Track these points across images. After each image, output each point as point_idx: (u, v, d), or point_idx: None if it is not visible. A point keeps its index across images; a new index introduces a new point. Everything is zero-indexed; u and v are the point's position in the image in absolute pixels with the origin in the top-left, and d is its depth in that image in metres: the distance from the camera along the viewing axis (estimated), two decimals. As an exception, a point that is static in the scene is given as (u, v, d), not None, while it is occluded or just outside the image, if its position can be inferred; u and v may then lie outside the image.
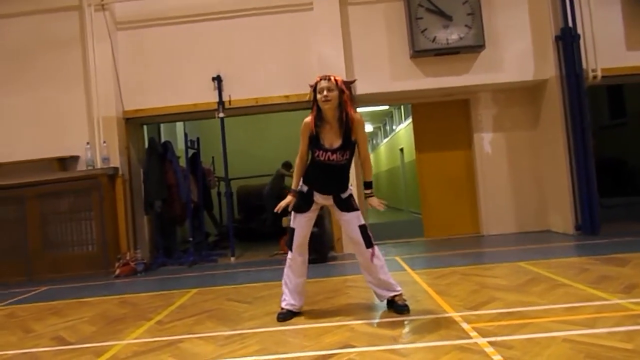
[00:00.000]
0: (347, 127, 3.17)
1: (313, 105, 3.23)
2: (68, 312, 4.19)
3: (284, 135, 9.68)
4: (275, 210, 3.35)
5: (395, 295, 3.32)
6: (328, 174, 3.27)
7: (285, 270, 3.42)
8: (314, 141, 3.22)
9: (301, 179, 3.37)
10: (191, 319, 3.59)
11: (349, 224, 3.33)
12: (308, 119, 3.24)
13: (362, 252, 3.31)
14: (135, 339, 3.20)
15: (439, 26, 6.49)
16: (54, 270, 6.28)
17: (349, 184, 3.40)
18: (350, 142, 3.21)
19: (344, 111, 3.17)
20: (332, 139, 3.20)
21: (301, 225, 3.34)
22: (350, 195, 3.36)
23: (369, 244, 3.29)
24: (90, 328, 3.59)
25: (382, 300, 3.41)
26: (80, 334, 3.46)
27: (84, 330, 3.55)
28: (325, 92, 3.13)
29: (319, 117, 3.21)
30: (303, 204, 3.33)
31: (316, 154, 3.24)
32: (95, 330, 3.53)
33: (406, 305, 3.27)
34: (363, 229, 3.30)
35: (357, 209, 3.35)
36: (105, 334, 3.38)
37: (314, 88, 3.21)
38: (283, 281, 3.43)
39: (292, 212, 3.37)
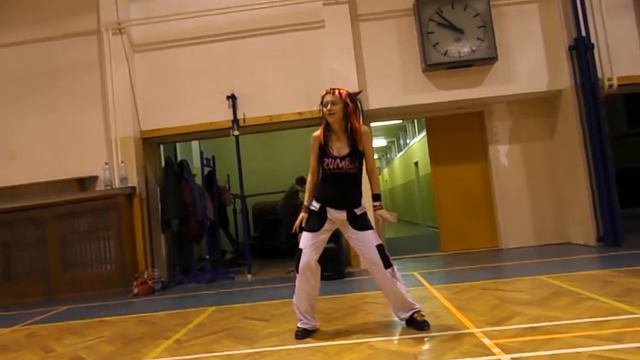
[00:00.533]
0: (354, 138, 3.22)
1: (322, 118, 3.30)
2: (87, 332, 4.22)
3: (298, 152, 9.71)
4: (293, 231, 3.35)
5: (414, 312, 3.26)
6: (339, 185, 3.25)
7: (295, 294, 3.34)
8: (323, 151, 3.26)
9: (312, 197, 3.35)
10: (209, 337, 3.58)
11: (365, 243, 3.24)
12: (316, 132, 3.32)
13: (381, 273, 3.22)
14: (154, 358, 3.20)
15: (451, 40, 6.51)
16: (74, 290, 6.34)
17: (362, 201, 3.33)
18: (358, 151, 3.23)
19: (349, 123, 3.22)
20: (340, 148, 3.24)
21: (309, 245, 3.25)
22: (365, 213, 3.30)
23: (387, 264, 3.21)
24: (109, 347, 3.60)
25: (402, 320, 3.35)
26: (99, 353, 3.47)
27: (103, 349, 3.56)
28: (329, 106, 3.22)
29: (328, 129, 3.29)
30: (314, 222, 3.28)
31: (325, 164, 3.25)
32: (114, 349, 3.54)
33: (425, 321, 3.21)
34: (380, 248, 3.22)
35: (372, 228, 3.29)
36: (124, 354, 3.38)
37: (321, 101, 3.28)
38: (293, 304, 3.37)
39: (303, 233, 3.30)
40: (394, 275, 3.22)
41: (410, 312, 3.26)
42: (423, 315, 3.26)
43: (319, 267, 3.32)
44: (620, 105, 10.34)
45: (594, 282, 4.16)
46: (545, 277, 4.50)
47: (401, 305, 3.27)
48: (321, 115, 3.30)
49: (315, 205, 3.30)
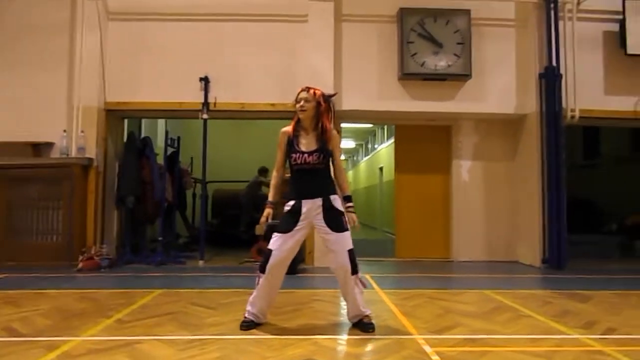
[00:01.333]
0: (323, 137, 3.25)
1: (295, 113, 3.32)
2: (24, 303, 4.03)
3: (266, 143, 9.55)
4: (258, 229, 3.34)
5: (363, 317, 3.30)
6: (309, 179, 3.24)
7: (255, 292, 3.29)
8: (291, 147, 3.27)
9: (281, 197, 3.32)
10: (152, 320, 3.50)
11: (339, 245, 3.20)
12: (286, 128, 3.35)
13: (347, 277, 3.21)
14: (92, 336, 3.10)
15: (429, 52, 6.62)
16: (15, 258, 6.03)
17: (336, 190, 3.31)
18: (326, 149, 3.25)
19: (319, 122, 3.26)
20: (308, 144, 3.26)
21: (282, 247, 3.18)
22: (341, 212, 3.25)
23: (355, 270, 3.21)
24: (45, 321, 3.46)
25: (350, 322, 3.37)
26: (34, 326, 3.33)
27: (38, 322, 3.42)
28: (302, 102, 3.26)
29: (298, 125, 3.32)
30: (287, 223, 3.22)
31: (293, 159, 3.25)
32: (50, 323, 3.40)
33: (372, 324, 3.26)
34: (351, 253, 3.21)
35: (347, 229, 3.26)
36: (60, 329, 3.26)
37: (296, 98, 3.31)
38: (249, 301, 3.31)
39: (275, 234, 3.25)
40: (356, 282, 3.24)
41: (359, 317, 3.30)
42: (371, 319, 3.30)
43: (285, 270, 3.29)
44: (579, 137, 10.85)
45: (534, 301, 4.33)
46: (490, 292, 4.65)
47: (353, 310, 3.31)
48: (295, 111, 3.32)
49: (289, 204, 3.26)
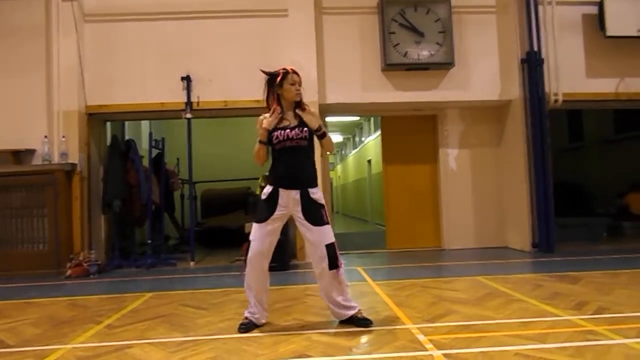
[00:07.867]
0: (301, 118, 3.19)
1: (270, 92, 3.22)
2: (11, 313, 3.96)
3: (254, 140, 9.55)
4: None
5: (354, 313, 3.20)
6: (290, 161, 3.12)
7: (245, 289, 3.23)
8: (272, 130, 3.16)
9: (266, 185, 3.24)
10: (143, 324, 3.45)
11: (317, 239, 3.09)
12: (263, 115, 3.24)
13: (323, 273, 3.11)
14: (81, 343, 3.05)
15: (411, 42, 6.61)
16: (1, 268, 5.93)
17: (317, 183, 3.21)
18: (307, 125, 3.16)
19: (300, 102, 3.22)
20: (289, 121, 3.18)
21: (260, 237, 3.11)
22: (322, 205, 3.15)
23: (333, 265, 3.06)
24: (34, 330, 3.40)
25: (339, 319, 3.24)
26: (22, 336, 3.26)
27: (27, 332, 3.36)
28: (297, 86, 3.19)
29: (280, 106, 3.20)
30: (262, 212, 3.15)
31: (275, 138, 3.12)
32: (39, 333, 3.34)
33: (367, 318, 3.17)
34: (330, 248, 3.07)
35: (327, 223, 3.14)
36: (49, 338, 3.20)
37: (282, 77, 3.17)
38: (246, 290, 3.24)
39: (253, 224, 3.20)
40: (336, 277, 3.11)
41: (349, 313, 3.18)
42: (362, 313, 3.20)
43: (268, 261, 3.19)
44: (563, 121, 10.94)
45: (525, 285, 4.36)
46: (482, 278, 4.68)
47: (337, 307, 3.19)
48: (272, 87, 3.21)
49: (266, 192, 3.18)
